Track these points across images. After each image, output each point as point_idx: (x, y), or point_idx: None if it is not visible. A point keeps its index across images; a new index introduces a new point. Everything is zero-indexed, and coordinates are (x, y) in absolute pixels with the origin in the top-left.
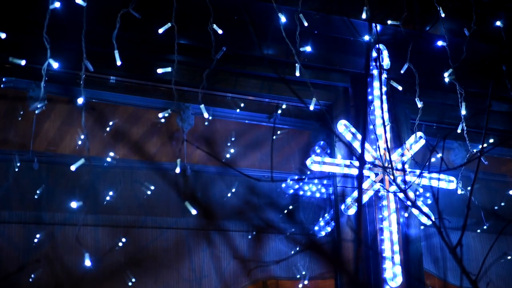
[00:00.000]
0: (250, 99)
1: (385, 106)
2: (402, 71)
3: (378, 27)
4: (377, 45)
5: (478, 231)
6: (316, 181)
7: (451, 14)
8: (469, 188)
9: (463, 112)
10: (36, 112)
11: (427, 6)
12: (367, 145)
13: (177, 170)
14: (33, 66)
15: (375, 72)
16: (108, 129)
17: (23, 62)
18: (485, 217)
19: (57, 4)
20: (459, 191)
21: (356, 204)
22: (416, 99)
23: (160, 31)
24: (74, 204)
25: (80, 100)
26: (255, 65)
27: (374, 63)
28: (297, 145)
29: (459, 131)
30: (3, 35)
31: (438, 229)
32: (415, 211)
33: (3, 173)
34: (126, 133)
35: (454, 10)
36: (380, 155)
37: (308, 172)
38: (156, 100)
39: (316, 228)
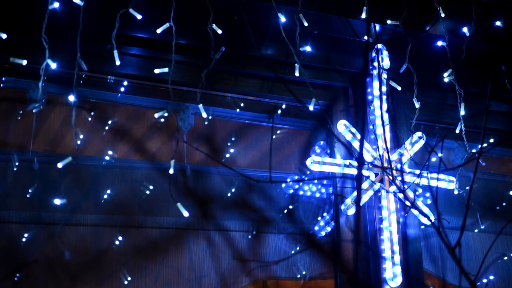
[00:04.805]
0: (250, 99)
1: (385, 106)
2: (400, 71)
3: (377, 27)
4: (376, 45)
5: (476, 230)
6: (316, 181)
7: (451, 14)
8: (467, 188)
9: (462, 112)
10: (34, 111)
11: (426, 6)
12: (366, 145)
13: (171, 171)
14: (33, 66)
15: (374, 72)
16: (107, 129)
17: (24, 62)
18: (485, 217)
19: (56, 5)
20: (456, 192)
21: (356, 204)
22: (413, 99)
23: (159, 31)
24: (57, 201)
25: (71, 98)
26: (255, 65)
27: (373, 63)
28: (297, 145)
29: (457, 131)
30: (4, 36)
31: (437, 229)
32: (414, 211)
33: (3, 173)
34: (126, 133)
35: (454, 10)
36: (380, 155)
37: (308, 172)
38: (156, 100)
39: (316, 228)
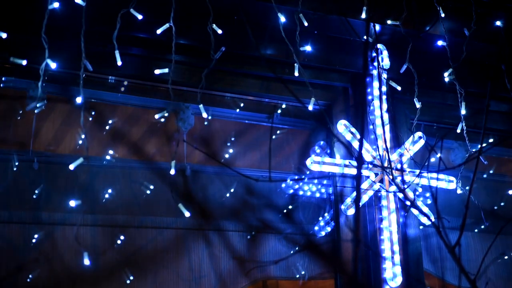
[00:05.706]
0: (250, 99)
1: (385, 106)
2: (401, 71)
3: (378, 27)
4: (376, 45)
5: (476, 230)
6: (316, 181)
7: (451, 14)
8: (467, 188)
9: (463, 111)
10: (35, 112)
11: (427, 6)
12: (366, 145)
13: (172, 172)
14: (33, 66)
15: (374, 72)
16: (107, 129)
17: (24, 62)
18: (485, 217)
19: (56, 4)
20: (459, 191)
21: (355, 204)
22: (414, 99)
23: (159, 31)
24: (72, 203)
25: (79, 99)
26: (255, 65)
27: (373, 63)
28: (297, 145)
29: (458, 130)
30: (4, 35)
31: (437, 229)
32: (414, 211)
33: (2, 173)
34: (125, 133)
35: (454, 10)
36: (380, 155)
37: (308, 172)
38: (156, 100)
39: (316, 228)
